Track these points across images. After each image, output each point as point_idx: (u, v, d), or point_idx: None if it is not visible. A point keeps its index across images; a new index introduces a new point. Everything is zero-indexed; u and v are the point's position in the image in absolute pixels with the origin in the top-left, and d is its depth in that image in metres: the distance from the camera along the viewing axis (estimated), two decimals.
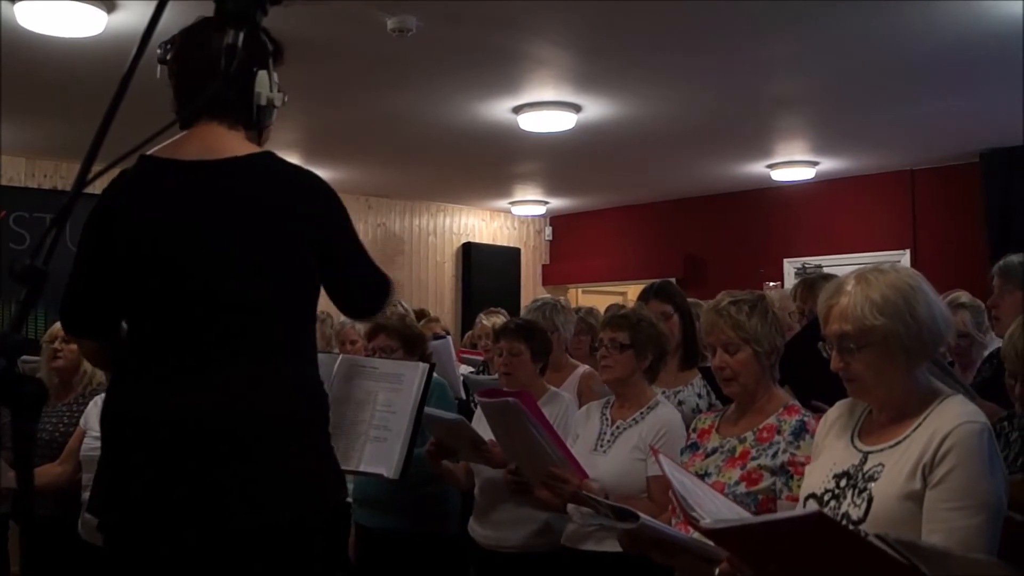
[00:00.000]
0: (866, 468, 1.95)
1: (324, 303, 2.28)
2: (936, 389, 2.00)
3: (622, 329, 3.16)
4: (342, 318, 5.89)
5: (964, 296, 4.17)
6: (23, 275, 1.11)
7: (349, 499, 3.85)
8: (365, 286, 2.29)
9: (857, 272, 2.02)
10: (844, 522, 1.91)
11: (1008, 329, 2.40)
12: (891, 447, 1.95)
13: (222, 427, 1.97)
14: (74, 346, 4.04)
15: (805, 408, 2.63)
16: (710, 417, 2.78)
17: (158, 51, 2.19)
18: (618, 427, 3.13)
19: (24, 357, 1.14)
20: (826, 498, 2.00)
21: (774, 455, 2.48)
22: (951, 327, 1.98)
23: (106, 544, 2.11)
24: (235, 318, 2.04)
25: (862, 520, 1.88)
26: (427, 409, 3.19)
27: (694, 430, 2.78)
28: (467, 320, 10.38)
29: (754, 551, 1.87)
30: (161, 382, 2.02)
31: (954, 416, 1.88)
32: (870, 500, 1.89)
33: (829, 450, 2.11)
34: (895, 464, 1.91)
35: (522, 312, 4.21)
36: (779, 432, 2.52)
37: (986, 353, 3.90)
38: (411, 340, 3.82)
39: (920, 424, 1.93)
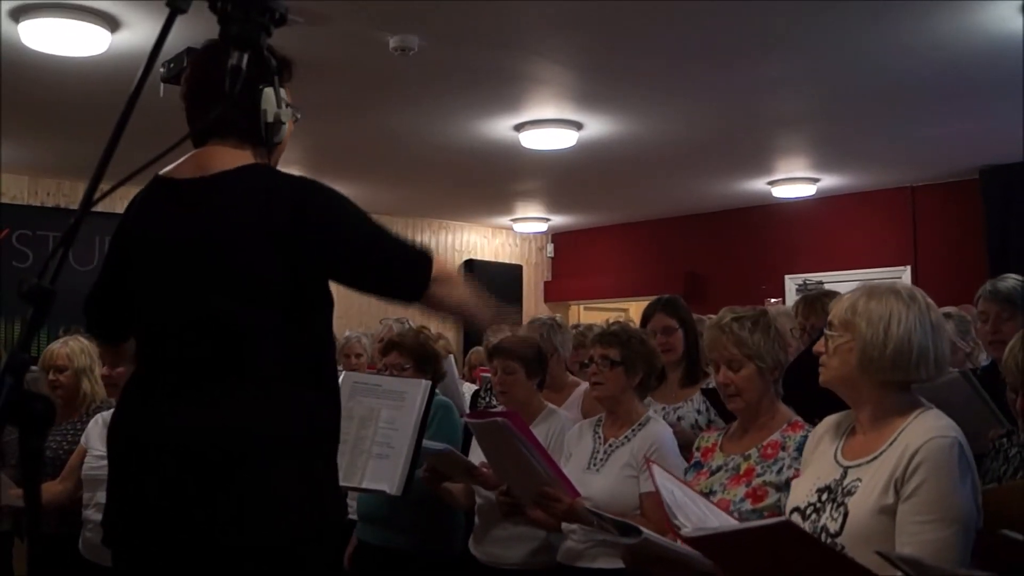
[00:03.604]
0: (845, 483, 2.00)
1: None
2: (916, 404, 2.03)
3: (612, 346, 3.15)
4: (347, 332, 5.90)
5: (951, 308, 4.18)
6: (30, 295, 1.12)
7: (352, 516, 3.86)
8: (395, 269, 2.16)
9: (876, 284, 2.12)
10: (822, 535, 1.96)
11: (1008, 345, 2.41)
12: (868, 462, 1.99)
13: (214, 448, 1.97)
14: (68, 372, 4.05)
15: (810, 426, 2.63)
16: (713, 435, 2.77)
17: (160, 70, 2.21)
18: (610, 445, 3.13)
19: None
20: (808, 512, 2.04)
21: (779, 471, 2.48)
22: (929, 366, 1.99)
23: (114, 560, 2.13)
24: (226, 339, 2.03)
25: (838, 533, 1.93)
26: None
27: (697, 448, 2.78)
28: (469, 337, 10.38)
29: (734, 559, 1.89)
30: (159, 403, 2.03)
31: (925, 431, 1.93)
32: (846, 514, 1.94)
33: (815, 464, 2.15)
34: (870, 479, 1.95)
35: (520, 332, 4.21)
36: (784, 448, 2.53)
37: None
38: (424, 358, 3.80)
39: (895, 439, 1.97)
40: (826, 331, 2.09)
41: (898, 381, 2.01)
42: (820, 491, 2.04)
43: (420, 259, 2.15)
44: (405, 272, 2.15)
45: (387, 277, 2.17)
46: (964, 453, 1.90)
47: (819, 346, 2.11)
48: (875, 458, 1.97)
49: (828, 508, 1.99)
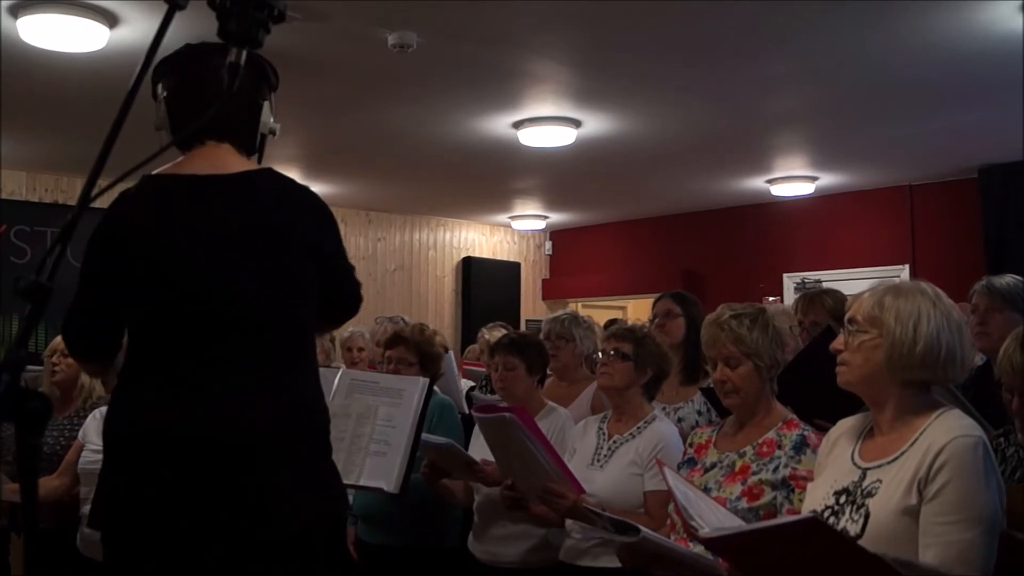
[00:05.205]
0: (865, 484, 1.97)
1: None
2: (935, 405, 2.00)
3: (626, 341, 3.18)
4: (349, 328, 5.92)
5: None
6: (28, 291, 1.12)
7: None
8: (346, 302, 2.35)
9: (900, 282, 2.10)
10: None
11: (1003, 344, 2.41)
12: (889, 463, 1.95)
13: (226, 440, 1.98)
14: (72, 360, 4.05)
15: (806, 425, 2.63)
16: (707, 431, 2.77)
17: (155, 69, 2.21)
18: (615, 442, 3.13)
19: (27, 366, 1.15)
20: (826, 515, 2.00)
21: (775, 469, 2.48)
22: (956, 366, 1.98)
23: (106, 558, 2.11)
24: (238, 332, 2.05)
25: (859, 536, 1.89)
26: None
27: (691, 444, 2.78)
28: (467, 334, 10.39)
29: (752, 559, 1.88)
30: (164, 396, 2.02)
31: (949, 430, 1.89)
32: (867, 516, 1.90)
33: (831, 467, 2.12)
34: (892, 480, 1.92)
35: (543, 322, 4.24)
36: (779, 446, 2.52)
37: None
38: (428, 356, 3.83)
39: (916, 439, 1.94)
40: (847, 328, 2.05)
41: (923, 380, 1.99)
42: (838, 494, 2.01)
43: (359, 304, 2.39)
44: (350, 311, 2.38)
45: (341, 309, 2.36)
46: (988, 453, 1.87)
47: (837, 343, 2.06)
48: (896, 458, 1.94)
49: (848, 510, 1.96)
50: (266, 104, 2.25)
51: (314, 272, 2.15)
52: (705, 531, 1.92)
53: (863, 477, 1.99)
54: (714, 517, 2.10)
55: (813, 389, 2.44)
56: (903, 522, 1.86)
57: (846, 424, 2.17)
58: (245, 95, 2.20)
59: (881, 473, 1.95)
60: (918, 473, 1.87)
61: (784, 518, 2.25)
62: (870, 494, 1.94)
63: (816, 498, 2.08)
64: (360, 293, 2.36)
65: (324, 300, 2.24)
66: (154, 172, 2.15)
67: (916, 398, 1.99)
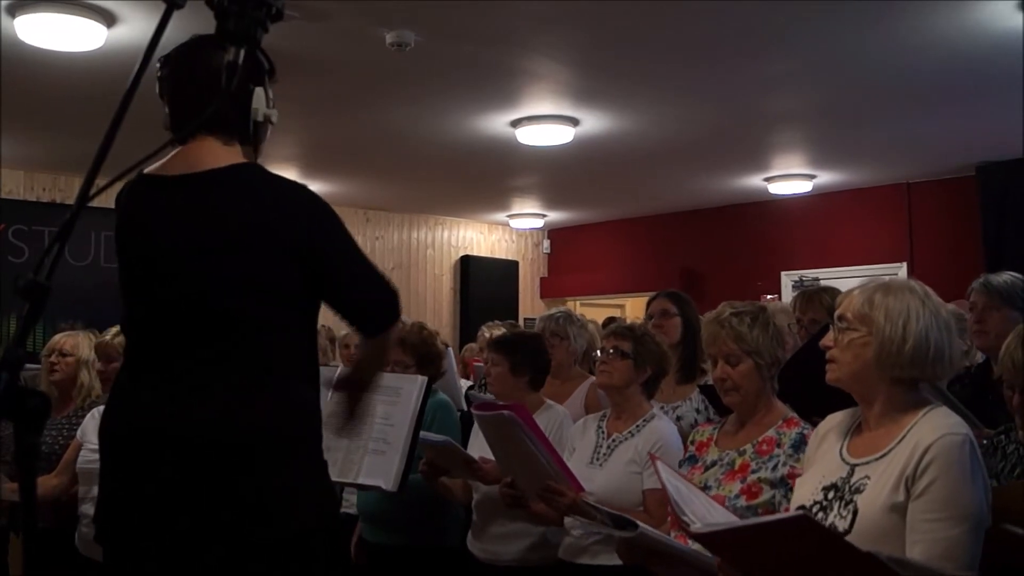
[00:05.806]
0: (853, 480, 1.98)
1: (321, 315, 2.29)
2: (923, 402, 2.02)
3: (625, 339, 3.18)
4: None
5: (949, 305, 4.21)
6: (26, 290, 1.12)
7: (352, 511, 3.87)
8: (371, 304, 2.23)
9: (890, 280, 2.11)
10: None
11: (1001, 342, 2.41)
12: (877, 459, 1.97)
13: (226, 440, 1.98)
14: (71, 358, 4.06)
15: (806, 423, 2.64)
16: (708, 429, 2.78)
17: (157, 65, 2.20)
18: (614, 440, 3.14)
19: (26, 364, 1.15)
20: (814, 510, 2.02)
21: (774, 468, 2.49)
22: (944, 364, 1.99)
23: (106, 558, 2.12)
24: (221, 333, 2.03)
25: (847, 532, 1.90)
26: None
27: (692, 442, 2.79)
28: (465, 333, 10.39)
29: (743, 555, 1.88)
30: (162, 396, 2.03)
31: (936, 428, 1.91)
32: (855, 512, 1.92)
33: (819, 463, 2.13)
34: (880, 476, 1.93)
35: (537, 320, 4.24)
36: (779, 445, 2.53)
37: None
38: (427, 357, 3.79)
39: (904, 436, 1.95)
40: (836, 325, 2.06)
41: (911, 378, 1.99)
42: (826, 489, 2.02)
43: (393, 303, 2.25)
44: (380, 312, 2.24)
45: (365, 312, 2.24)
46: (975, 451, 1.88)
47: (827, 340, 2.07)
48: (884, 455, 1.95)
49: (836, 506, 1.97)
50: (258, 90, 2.15)
51: (295, 271, 2.09)
52: (696, 526, 1.93)
53: (851, 473, 2.00)
54: (706, 512, 2.10)
55: (812, 386, 2.45)
56: (891, 519, 1.87)
57: (835, 419, 2.18)
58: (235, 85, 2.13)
59: (869, 469, 1.97)
60: (905, 470, 1.88)
61: (774, 515, 2.26)
62: (858, 490, 1.95)
63: (805, 493, 2.09)
64: (386, 292, 2.24)
65: (338, 306, 2.19)
66: (144, 171, 2.14)
67: (904, 395, 2.01)
